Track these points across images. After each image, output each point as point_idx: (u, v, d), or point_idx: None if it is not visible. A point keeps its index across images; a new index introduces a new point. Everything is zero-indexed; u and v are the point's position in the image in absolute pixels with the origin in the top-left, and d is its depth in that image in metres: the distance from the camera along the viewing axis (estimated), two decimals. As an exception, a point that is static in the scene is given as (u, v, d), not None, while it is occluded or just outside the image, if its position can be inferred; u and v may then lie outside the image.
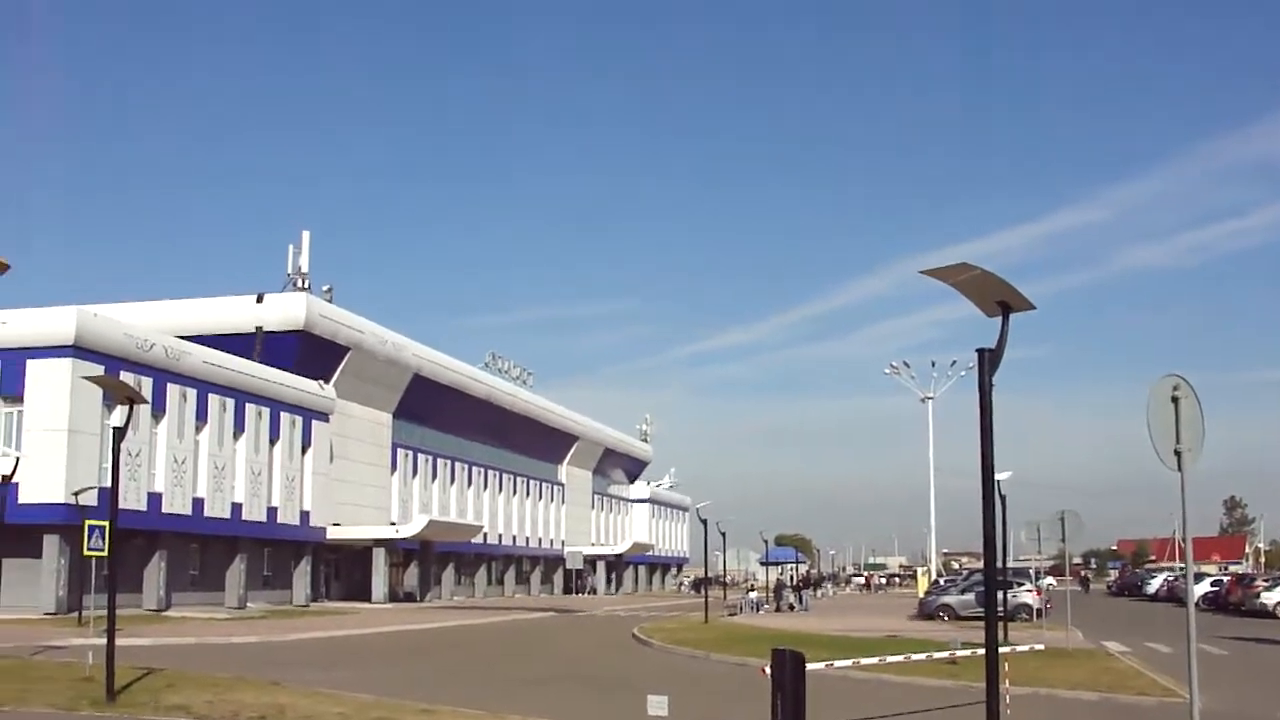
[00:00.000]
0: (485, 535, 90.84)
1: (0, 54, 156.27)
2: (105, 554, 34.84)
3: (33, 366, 50.08)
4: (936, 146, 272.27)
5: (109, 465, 47.66)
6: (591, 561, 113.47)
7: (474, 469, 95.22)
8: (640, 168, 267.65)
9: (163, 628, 41.90)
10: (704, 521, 60.16)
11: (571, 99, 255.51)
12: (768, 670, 13.88)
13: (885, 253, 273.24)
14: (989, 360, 9.55)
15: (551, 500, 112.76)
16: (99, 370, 45.75)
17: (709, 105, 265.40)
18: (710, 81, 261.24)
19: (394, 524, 77.08)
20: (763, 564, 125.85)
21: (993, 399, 9.61)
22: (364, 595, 72.20)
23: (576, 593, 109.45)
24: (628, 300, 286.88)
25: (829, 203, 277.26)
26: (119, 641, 21.28)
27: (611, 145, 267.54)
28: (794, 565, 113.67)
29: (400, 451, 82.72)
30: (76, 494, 45.25)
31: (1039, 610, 45.21)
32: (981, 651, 10.34)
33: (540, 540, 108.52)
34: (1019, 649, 25.00)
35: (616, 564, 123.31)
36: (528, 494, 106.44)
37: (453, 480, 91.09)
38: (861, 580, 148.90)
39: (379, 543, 73.22)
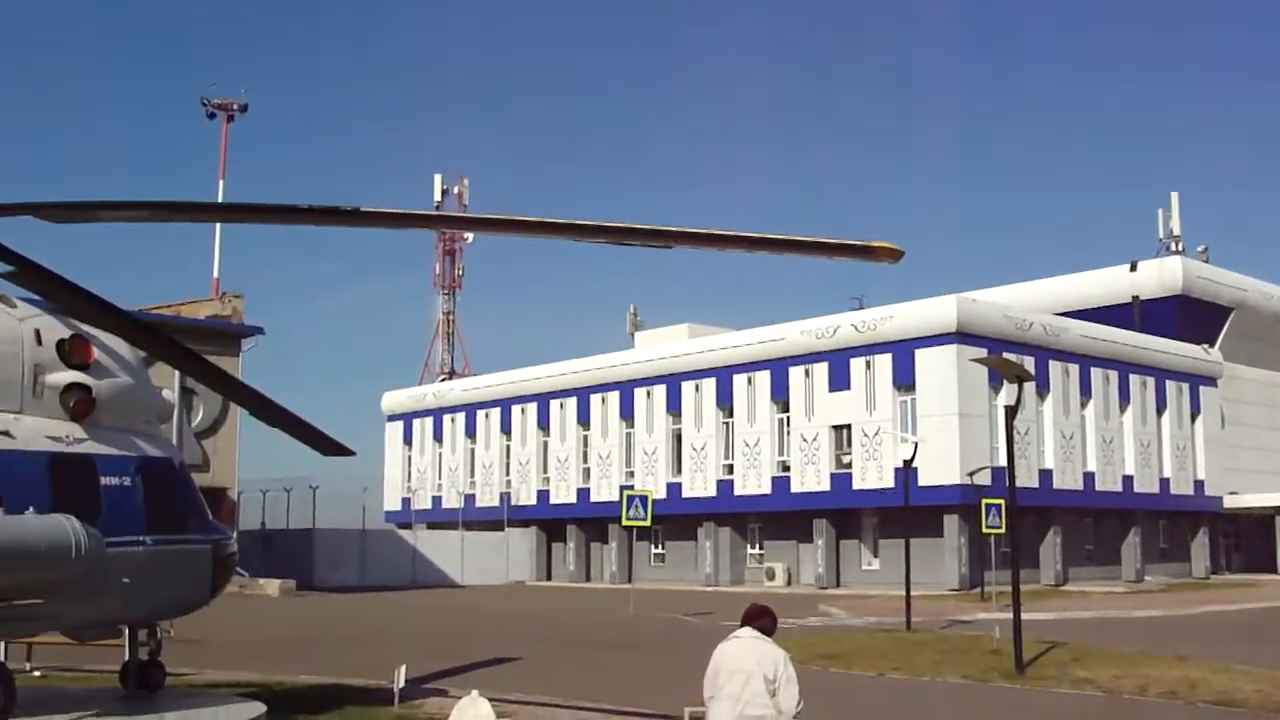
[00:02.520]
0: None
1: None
2: (1003, 531, 35.90)
3: (920, 355, 52.63)
4: None
5: (999, 445, 48.80)
6: None
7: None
8: None
9: (1062, 602, 42.27)
10: None
11: None
12: None
13: None
14: None
15: None
16: (981, 354, 47.07)
17: None
18: None
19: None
20: None
21: None
22: (1268, 566, 68.36)
23: None
24: None
25: None
26: (1021, 616, 21.74)
27: None
28: None
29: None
30: (971, 474, 46.90)
31: None
32: None
33: None
34: None
35: None
36: None
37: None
38: None
39: (1282, 510, 69.02)
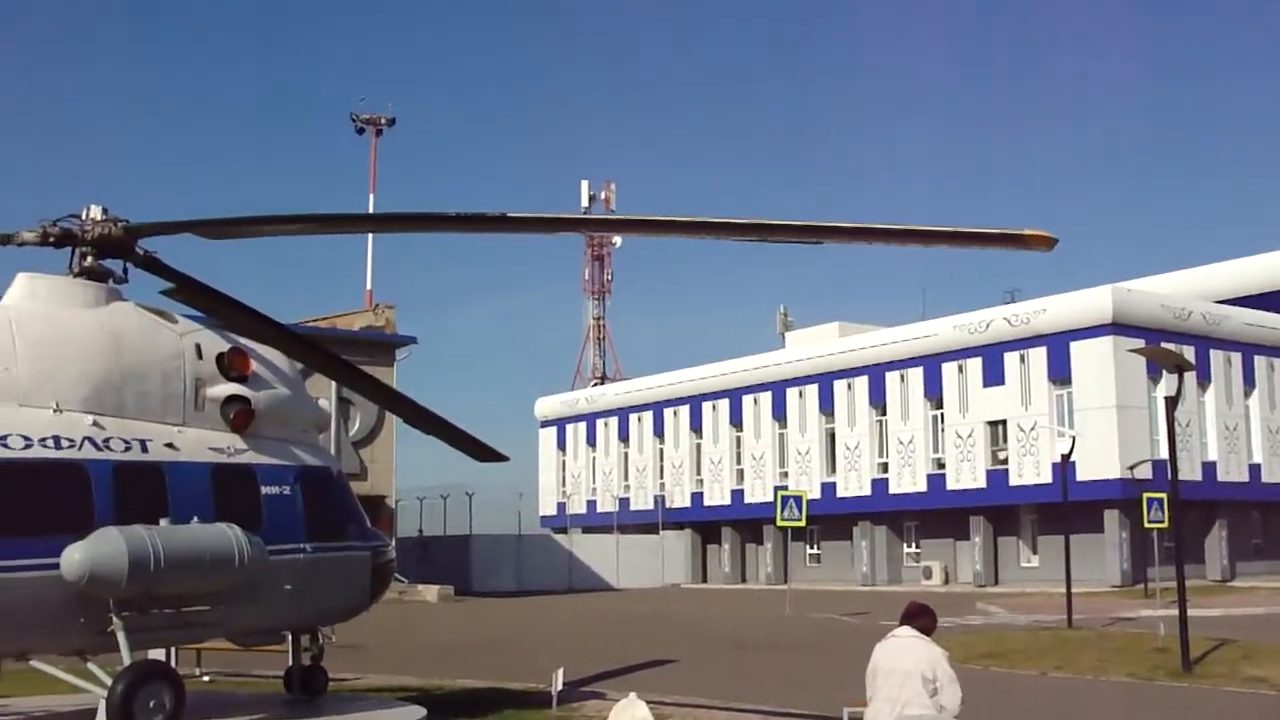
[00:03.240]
0: None
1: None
2: (1166, 525, 34.99)
3: (1075, 348, 51.69)
4: None
5: (1159, 437, 47.68)
6: None
7: None
8: None
9: (1229, 598, 41.09)
10: None
11: None
12: None
13: None
14: None
15: None
16: (1139, 345, 45.96)
17: None
18: None
19: None
20: None
21: None
22: None
23: None
24: None
25: None
26: (1187, 612, 21.19)
27: None
28: None
29: None
30: (1131, 468, 45.90)
31: None
32: None
33: None
34: None
35: None
36: None
37: None
38: None
39: None
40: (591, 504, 75.75)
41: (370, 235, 57.70)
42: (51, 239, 13.21)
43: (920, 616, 9.15)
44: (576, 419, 78.71)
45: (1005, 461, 54.37)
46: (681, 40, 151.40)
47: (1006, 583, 53.95)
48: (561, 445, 79.51)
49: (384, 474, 52.55)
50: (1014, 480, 53.62)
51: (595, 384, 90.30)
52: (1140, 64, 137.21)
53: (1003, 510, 55.46)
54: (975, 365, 55.44)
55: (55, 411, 12.34)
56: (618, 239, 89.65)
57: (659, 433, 72.75)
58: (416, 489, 65.13)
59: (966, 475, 55.71)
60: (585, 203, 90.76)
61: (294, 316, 44.89)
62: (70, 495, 12.13)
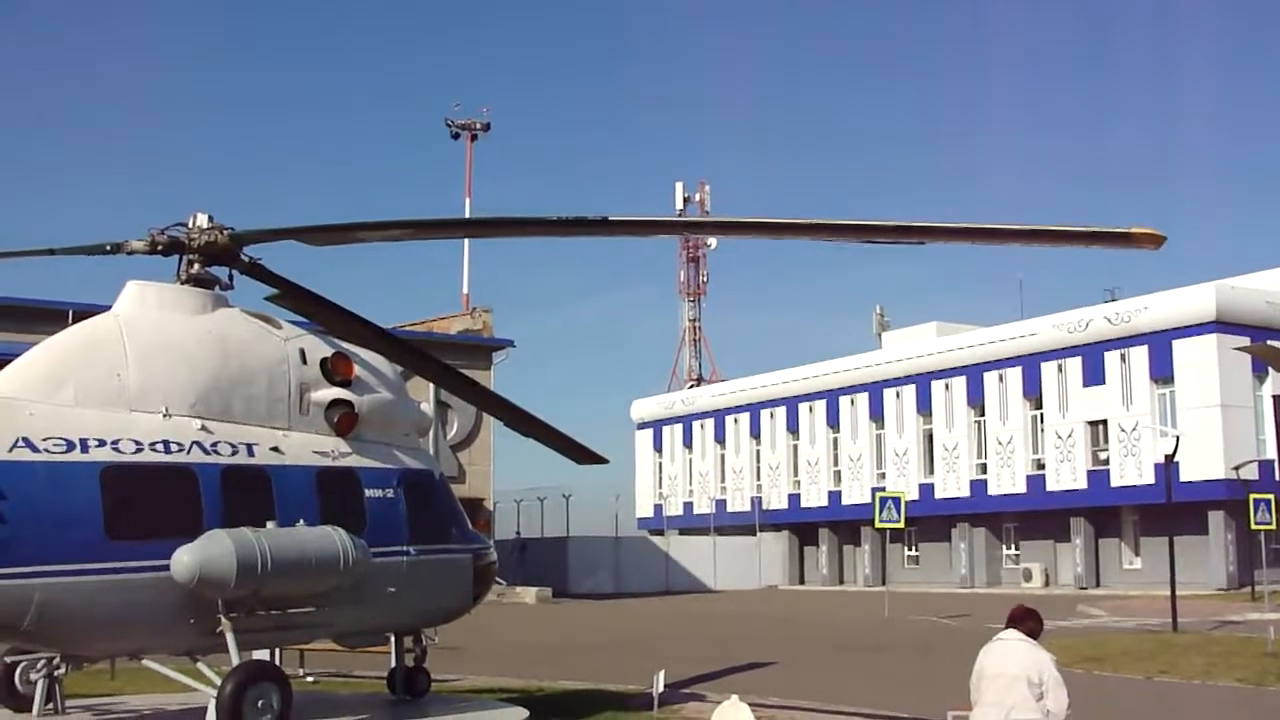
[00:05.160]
0: None
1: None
2: (1273, 527, 34.40)
3: (1179, 346, 50.90)
4: None
5: (1265, 437, 46.72)
6: None
7: None
8: None
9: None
10: None
11: None
12: None
13: None
14: None
15: None
16: (1244, 343, 45.18)
17: None
18: None
19: None
20: None
21: None
22: None
23: None
24: None
25: None
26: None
27: None
28: None
29: None
30: (1236, 468, 45.06)
31: None
32: None
33: None
34: None
35: None
36: None
37: None
38: None
39: None
40: (688, 506, 75.80)
41: (467, 240, 58.16)
42: (160, 247, 13.49)
43: (1027, 620, 9.08)
44: (673, 421, 78.80)
45: (1106, 462, 53.71)
46: (777, 44, 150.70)
47: (1108, 585, 53.23)
48: (658, 447, 79.65)
49: (482, 477, 52.94)
50: (1115, 481, 52.95)
51: (691, 386, 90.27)
52: (1240, 53, 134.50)
53: (1104, 511, 54.73)
54: (1075, 365, 54.80)
55: (165, 416, 12.60)
56: (713, 241, 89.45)
57: (755, 434, 72.63)
58: (514, 491, 65.58)
59: (1067, 476, 55.08)
60: (680, 204, 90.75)
61: (390, 321, 45.31)
62: (180, 498, 12.39)
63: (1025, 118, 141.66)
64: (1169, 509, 34.91)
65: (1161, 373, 51.69)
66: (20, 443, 11.67)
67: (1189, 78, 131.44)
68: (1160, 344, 51.53)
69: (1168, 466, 35.10)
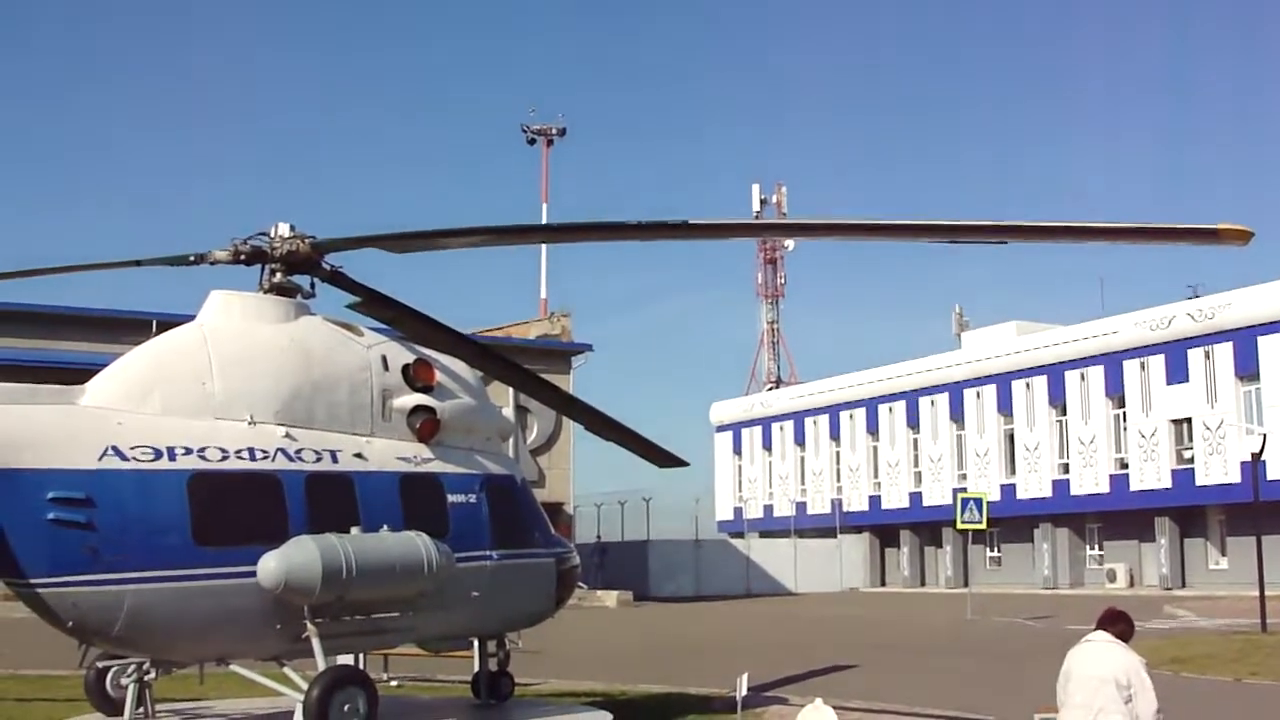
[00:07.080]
0: None
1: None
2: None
3: (1264, 342, 50.15)
4: None
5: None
6: None
7: None
8: None
9: None
10: None
11: None
12: None
13: None
14: None
15: None
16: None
17: None
18: None
19: None
20: None
21: None
22: None
23: None
24: None
25: None
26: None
27: None
28: None
29: None
30: (1327, 466, 44.28)
31: None
32: None
33: None
34: None
35: None
36: None
37: None
38: None
39: None
40: (768, 508, 75.70)
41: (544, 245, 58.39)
42: (242, 256, 13.66)
43: (1118, 622, 9.02)
44: (752, 423, 78.72)
45: (1191, 461, 53.08)
46: (846, 51, 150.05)
47: (1194, 585, 52.56)
48: (737, 450, 79.59)
49: (562, 481, 53.12)
50: (1200, 480, 52.28)
51: (770, 388, 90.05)
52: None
53: (1189, 511, 54.08)
54: (1158, 362, 54.19)
55: (250, 424, 12.75)
56: (790, 242, 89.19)
57: (835, 436, 72.42)
58: (594, 495, 65.60)
59: (1151, 475, 54.47)
60: (756, 206, 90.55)
61: (469, 327, 45.57)
62: (265, 505, 12.54)
63: (1105, 116, 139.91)
64: (1256, 508, 34.39)
65: (1246, 369, 50.93)
66: (110, 452, 11.85)
67: (1273, 69, 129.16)
68: (1245, 340, 50.78)
69: (1254, 464, 34.62)
